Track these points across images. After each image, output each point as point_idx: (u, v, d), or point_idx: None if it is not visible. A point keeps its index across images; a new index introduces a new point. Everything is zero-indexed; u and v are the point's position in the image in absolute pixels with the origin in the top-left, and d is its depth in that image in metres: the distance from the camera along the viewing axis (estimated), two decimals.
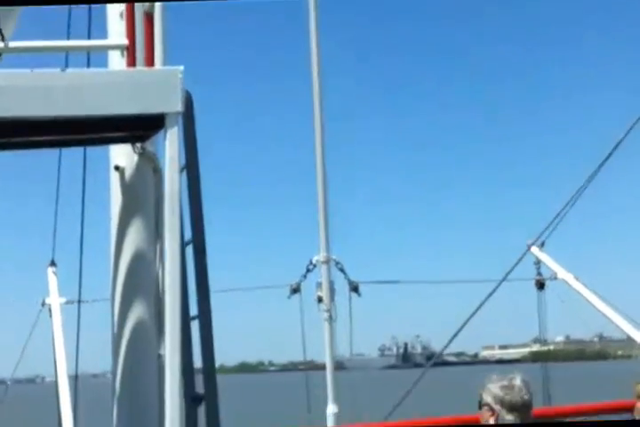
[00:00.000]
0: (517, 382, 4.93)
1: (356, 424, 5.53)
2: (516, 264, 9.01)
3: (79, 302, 5.58)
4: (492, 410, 4.93)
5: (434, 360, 10.18)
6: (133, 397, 4.92)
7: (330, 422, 7.86)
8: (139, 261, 4.95)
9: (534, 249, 9.13)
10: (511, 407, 4.85)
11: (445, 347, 9.25)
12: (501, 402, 4.89)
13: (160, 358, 4.73)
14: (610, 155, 8.54)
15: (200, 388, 4.27)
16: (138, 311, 4.90)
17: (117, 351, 4.95)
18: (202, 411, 4.21)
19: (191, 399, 4.28)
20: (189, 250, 4.35)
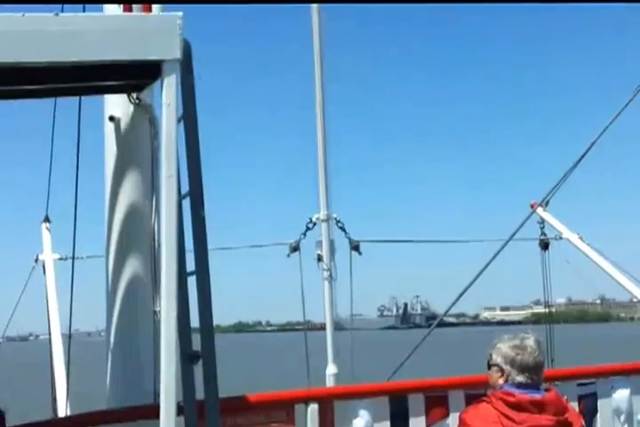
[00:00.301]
0: (530, 342, 4.78)
1: (357, 385, 5.38)
2: (522, 225, 8.87)
3: (73, 258, 5.43)
4: (502, 371, 4.78)
5: (438, 321, 10.01)
6: (128, 354, 4.81)
7: (329, 382, 7.85)
8: (134, 215, 4.80)
9: (539, 209, 9.04)
10: (522, 368, 4.70)
11: (449, 309, 9.15)
12: (512, 362, 4.74)
13: (156, 314, 4.61)
14: (615, 118, 8.39)
15: (197, 346, 4.15)
16: (133, 267, 4.77)
17: (112, 308, 4.83)
18: (199, 370, 4.09)
19: (187, 357, 4.14)
20: (187, 203, 4.18)
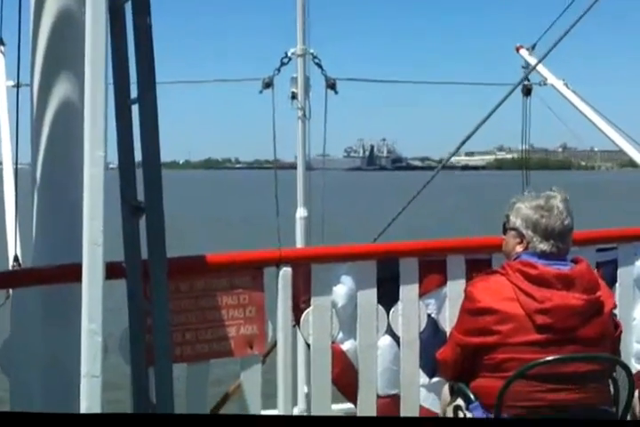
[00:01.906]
0: (557, 201, 3.87)
1: (339, 246, 4.48)
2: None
3: (17, 86, 4.45)
4: (521, 236, 3.88)
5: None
6: (56, 193, 3.76)
7: (299, 227, 7.38)
8: (63, 25, 3.69)
9: (523, 51, 8.40)
10: (547, 234, 3.81)
11: (451, 156, 8.39)
12: (534, 227, 3.84)
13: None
14: None
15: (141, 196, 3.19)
16: (62, 93, 3.70)
17: (38, 142, 3.80)
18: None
19: (130, 209, 3.20)
20: (129, 9, 3.10)
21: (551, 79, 8.32)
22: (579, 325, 3.67)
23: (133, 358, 3.27)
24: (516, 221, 3.87)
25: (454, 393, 3.95)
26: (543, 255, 3.78)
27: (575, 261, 3.83)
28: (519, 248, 3.87)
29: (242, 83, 8.75)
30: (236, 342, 4.13)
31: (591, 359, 3.67)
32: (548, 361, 3.59)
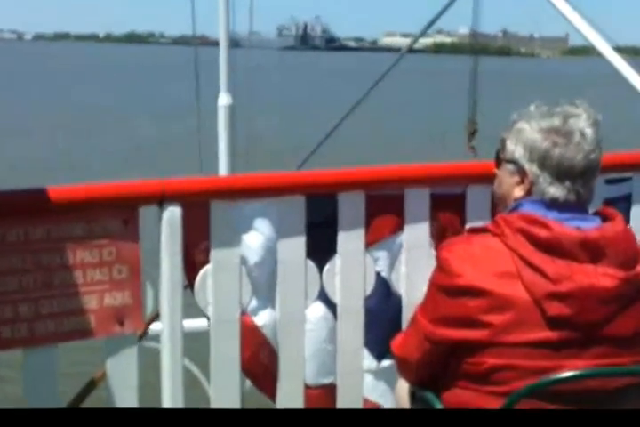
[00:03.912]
0: (581, 123, 2.57)
1: (250, 174, 3.11)
2: None
3: None
4: (523, 173, 2.58)
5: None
6: None
7: (221, 114, 6.19)
8: None
9: None
10: (561, 172, 2.52)
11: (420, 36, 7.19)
12: (543, 160, 2.53)
13: None
14: None
15: None
16: None
17: None
18: None
19: None
20: None
21: None
22: (610, 317, 2.41)
23: None
24: (515, 149, 2.55)
25: (415, 401, 2.71)
26: (554, 205, 2.48)
27: (604, 216, 2.55)
28: (518, 192, 2.56)
29: None
30: (97, 316, 2.80)
31: (630, 374, 2.43)
32: (570, 378, 2.34)
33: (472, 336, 2.43)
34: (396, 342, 2.73)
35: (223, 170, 6.17)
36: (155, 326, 3.06)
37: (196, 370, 4.10)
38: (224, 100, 6.21)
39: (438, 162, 3.38)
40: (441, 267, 2.53)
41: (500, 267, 2.42)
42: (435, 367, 2.57)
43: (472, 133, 7.53)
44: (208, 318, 3.00)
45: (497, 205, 2.76)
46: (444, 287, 2.51)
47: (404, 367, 2.75)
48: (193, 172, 5.00)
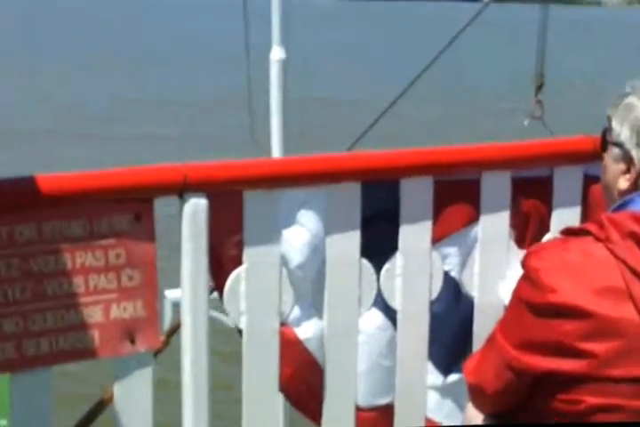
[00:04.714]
0: None
1: (293, 156, 2.54)
2: None
3: None
4: (629, 159, 2.00)
5: None
6: None
7: (274, 77, 4.74)
8: None
9: None
10: None
11: None
12: None
13: None
14: None
15: None
16: None
17: None
18: None
19: None
20: None
21: None
22: None
23: None
24: (621, 130, 1.98)
25: None
26: None
27: None
28: (623, 183, 1.99)
29: None
30: (102, 332, 2.29)
31: None
32: None
33: (567, 367, 1.89)
34: (470, 367, 2.20)
35: (276, 139, 5.48)
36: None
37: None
38: (277, 53, 5.38)
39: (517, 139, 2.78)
40: (530, 279, 1.97)
41: (605, 281, 1.86)
42: (517, 396, 2.04)
43: (539, 87, 7.04)
44: (240, 332, 2.48)
45: (603, 195, 2.19)
46: (532, 305, 1.95)
47: (478, 397, 2.22)
48: (238, 141, 4.26)
